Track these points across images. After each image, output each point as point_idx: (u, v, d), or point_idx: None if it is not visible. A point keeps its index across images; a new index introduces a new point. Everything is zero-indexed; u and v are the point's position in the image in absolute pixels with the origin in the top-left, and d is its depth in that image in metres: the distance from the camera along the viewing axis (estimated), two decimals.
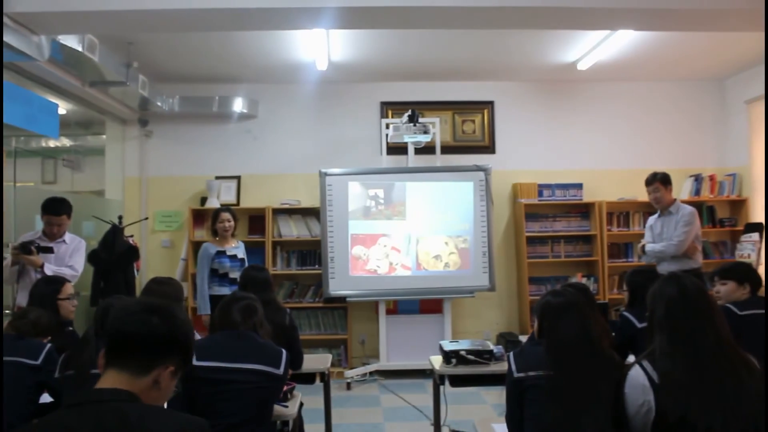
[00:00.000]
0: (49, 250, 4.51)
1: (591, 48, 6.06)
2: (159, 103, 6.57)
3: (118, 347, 1.58)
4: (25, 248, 4.37)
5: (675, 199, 5.30)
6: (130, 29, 4.96)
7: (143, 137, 7.10)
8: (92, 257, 5.37)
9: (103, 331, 1.63)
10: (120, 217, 5.96)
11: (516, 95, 7.32)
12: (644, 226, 5.79)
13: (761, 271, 6.20)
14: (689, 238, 5.07)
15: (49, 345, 3.04)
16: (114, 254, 5.49)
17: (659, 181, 5.23)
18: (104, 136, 6.98)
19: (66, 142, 6.57)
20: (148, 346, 1.58)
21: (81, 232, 5.79)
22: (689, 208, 5.18)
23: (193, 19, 4.14)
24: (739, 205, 7.11)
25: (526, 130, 7.29)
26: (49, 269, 4.43)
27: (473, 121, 7.30)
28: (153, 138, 7.12)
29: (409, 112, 6.34)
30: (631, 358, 3.01)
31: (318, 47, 5.81)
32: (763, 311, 3.41)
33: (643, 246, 5.33)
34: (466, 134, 7.29)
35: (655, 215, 5.40)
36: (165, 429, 1.47)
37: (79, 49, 4.73)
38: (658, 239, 5.26)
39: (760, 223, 6.47)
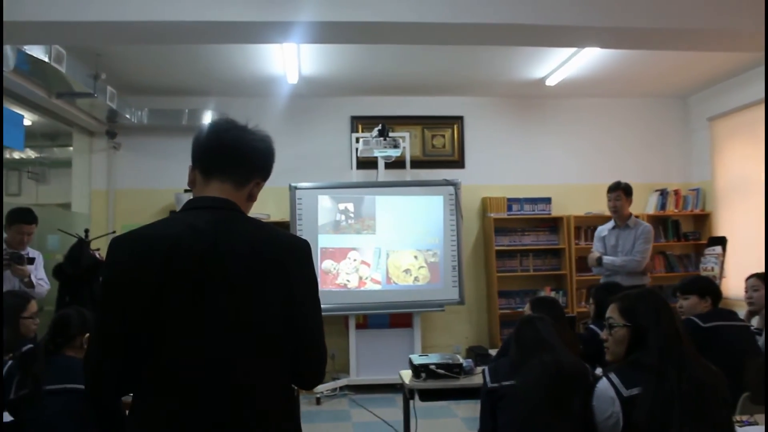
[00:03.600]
0: (32, 262, 4.46)
1: (559, 64, 6.14)
2: (127, 116, 6.49)
3: (225, 159, 1.68)
4: (17, 258, 4.30)
5: (631, 213, 5.23)
6: (99, 41, 4.91)
7: (111, 149, 7.01)
8: (57, 271, 5.26)
9: (200, 146, 1.69)
10: (86, 231, 5.85)
11: (485, 110, 7.39)
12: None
13: (725, 283, 6.32)
14: (649, 255, 5.08)
15: (9, 363, 2.95)
16: (80, 268, 5.38)
17: (622, 189, 5.16)
18: (71, 148, 6.87)
19: (31, 153, 6.45)
20: (253, 159, 1.71)
21: (46, 245, 5.68)
22: (649, 226, 5.16)
23: (163, 32, 4.11)
24: (702, 219, 7.24)
25: (495, 145, 7.36)
26: (36, 280, 4.39)
27: (443, 136, 7.36)
28: (121, 150, 7.04)
29: (379, 127, 6.35)
30: (599, 371, 3.04)
31: (289, 61, 5.81)
32: (726, 322, 3.49)
33: (599, 258, 5.17)
34: (436, 149, 7.34)
35: (608, 225, 5.29)
36: (278, 235, 1.65)
37: (46, 59, 4.64)
38: (612, 251, 5.15)
39: (723, 237, 6.60)
